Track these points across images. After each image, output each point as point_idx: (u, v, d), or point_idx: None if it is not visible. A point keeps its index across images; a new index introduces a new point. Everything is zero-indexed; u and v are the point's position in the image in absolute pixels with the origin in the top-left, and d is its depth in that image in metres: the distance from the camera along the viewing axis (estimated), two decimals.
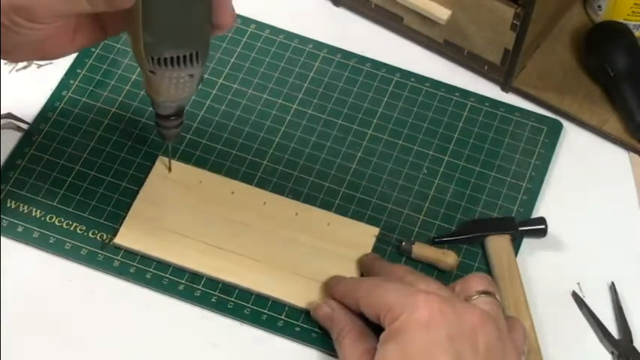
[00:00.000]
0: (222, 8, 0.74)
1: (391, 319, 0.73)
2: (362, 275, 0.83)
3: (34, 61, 0.94)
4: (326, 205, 0.87)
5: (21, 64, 0.95)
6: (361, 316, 0.77)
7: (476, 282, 0.77)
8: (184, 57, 0.74)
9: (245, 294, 0.82)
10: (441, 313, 0.71)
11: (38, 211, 0.86)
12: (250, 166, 0.90)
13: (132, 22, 0.73)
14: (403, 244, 0.85)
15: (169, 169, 0.88)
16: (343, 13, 1.01)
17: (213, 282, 0.83)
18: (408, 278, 0.77)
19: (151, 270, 0.83)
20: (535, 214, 0.88)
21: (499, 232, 0.85)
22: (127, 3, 0.70)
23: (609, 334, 0.82)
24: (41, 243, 0.84)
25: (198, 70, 0.76)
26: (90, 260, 0.84)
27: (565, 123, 0.94)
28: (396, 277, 0.78)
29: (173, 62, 0.74)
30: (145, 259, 0.84)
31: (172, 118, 0.81)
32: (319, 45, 0.98)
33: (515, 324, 0.77)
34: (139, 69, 0.94)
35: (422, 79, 0.96)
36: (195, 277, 0.83)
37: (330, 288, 0.81)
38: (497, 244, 0.85)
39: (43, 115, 0.92)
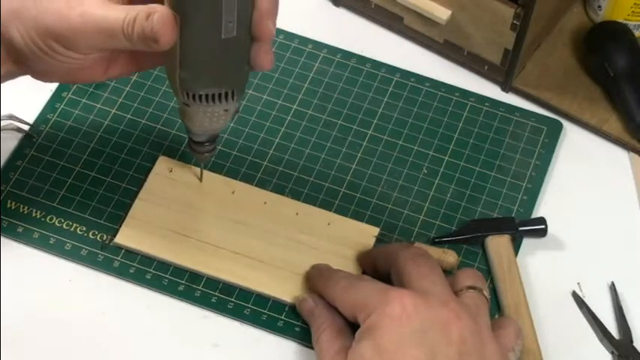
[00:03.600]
0: (261, 53, 0.72)
1: (364, 316, 0.73)
2: (363, 272, 0.83)
3: None
4: (326, 205, 0.87)
5: None
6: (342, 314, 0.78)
7: (464, 277, 0.78)
8: (219, 94, 0.73)
9: (245, 294, 0.82)
10: (414, 307, 0.72)
11: (38, 211, 0.86)
12: (250, 166, 0.90)
13: (168, 57, 0.72)
14: (403, 243, 0.85)
15: (200, 179, 0.87)
16: (343, 13, 1.01)
17: (213, 282, 0.83)
18: (399, 261, 0.77)
19: (150, 270, 0.83)
20: (535, 214, 0.88)
21: (499, 232, 0.85)
22: (164, 46, 0.69)
23: (609, 334, 0.82)
24: (41, 243, 0.84)
25: (233, 106, 0.75)
26: (90, 260, 0.84)
27: (565, 123, 0.94)
28: (391, 255, 0.78)
29: (208, 99, 0.73)
30: (145, 259, 0.84)
31: (206, 144, 0.81)
32: (319, 45, 0.98)
33: (506, 323, 0.77)
34: None
35: (422, 79, 0.96)
36: (196, 277, 0.83)
37: (311, 280, 0.82)
38: (497, 244, 0.85)
39: (43, 116, 0.92)
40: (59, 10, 0.70)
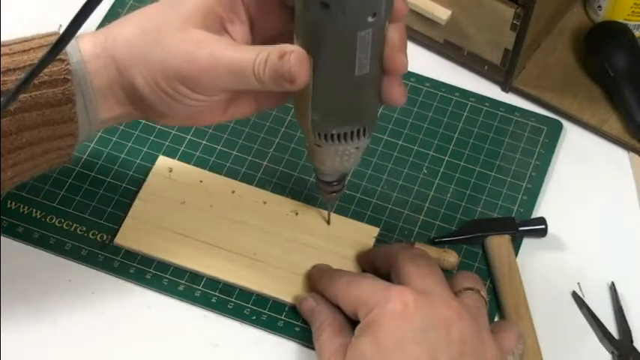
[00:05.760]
0: (394, 87, 0.71)
1: (365, 312, 0.73)
2: (364, 270, 0.83)
3: None
4: (326, 205, 0.87)
5: None
6: (343, 312, 0.78)
7: (462, 279, 0.78)
8: (352, 132, 0.72)
9: (245, 294, 0.82)
10: (416, 304, 0.72)
11: (38, 211, 0.86)
12: (250, 166, 0.90)
13: (299, 98, 0.71)
14: (403, 244, 0.85)
15: (328, 222, 0.86)
16: None
17: (213, 282, 0.83)
18: (399, 261, 0.77)
19: (150, 270, 0.83)
20: (535, 214, 0.88)
21: (499, 232, 0.85)
22: (299, 86, 0.67)
23: (609, 334, 0.82)
24: (41, 243, 0.84)
25: (364, 143, 0.74)
26: (90, 260, 0.84)
27: (565, 123, 0.94)
28: (391, 256, 0.79)
29: (340, 138, 0.72)
30: (145, 259, 0.84)
31: (334, 183, 0.80)
32: None
33: (507, 325, 0.77)
34: None
35: (422, 79, 0.96)
36: (196, 277, 0.83)
37: (312, 280, 0.82)
38: (498, 244, 0.85)
39: None
40: (188, 51, 0.69)
